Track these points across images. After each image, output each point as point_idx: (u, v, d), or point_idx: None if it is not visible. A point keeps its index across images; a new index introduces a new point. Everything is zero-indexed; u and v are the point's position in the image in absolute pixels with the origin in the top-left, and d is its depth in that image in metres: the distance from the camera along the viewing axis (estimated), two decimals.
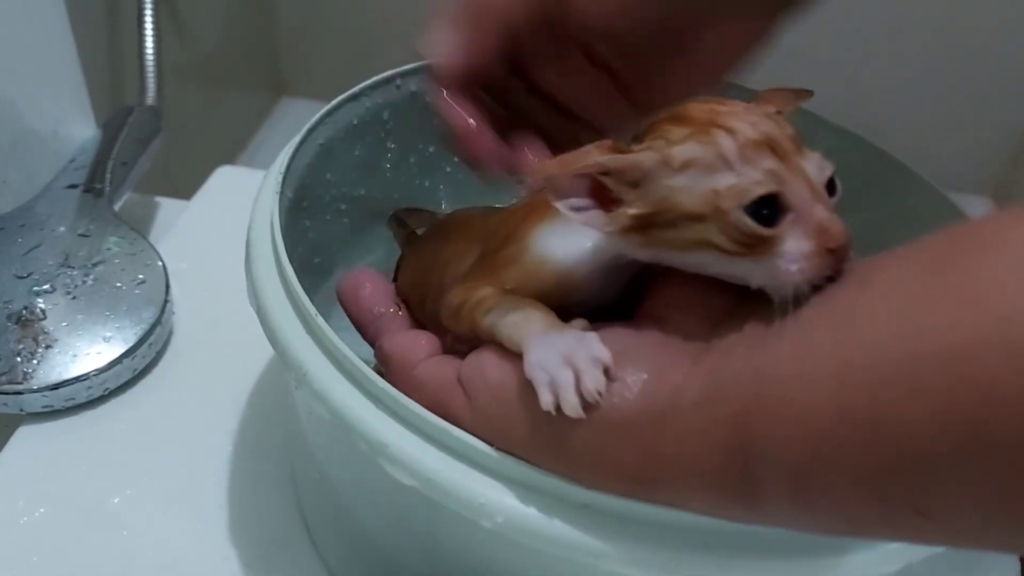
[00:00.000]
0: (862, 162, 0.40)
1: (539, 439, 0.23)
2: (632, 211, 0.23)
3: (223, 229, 0.37)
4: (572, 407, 0.22)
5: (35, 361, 0.41)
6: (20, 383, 0.40)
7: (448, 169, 0.42)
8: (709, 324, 0.23)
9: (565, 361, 0.22)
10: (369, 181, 0.40)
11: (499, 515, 0.23)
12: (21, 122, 0.50)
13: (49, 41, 0.51)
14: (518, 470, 0.23)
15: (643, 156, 0.23)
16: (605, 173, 0.23)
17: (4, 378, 0.40)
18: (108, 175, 0.51)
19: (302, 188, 0.35)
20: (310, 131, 0.35)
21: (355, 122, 0.38)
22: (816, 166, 0.23)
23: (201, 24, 1.11)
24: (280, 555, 0.37)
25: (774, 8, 0.30)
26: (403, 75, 0.38)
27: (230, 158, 1.29)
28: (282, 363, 0.28)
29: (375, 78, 0.38)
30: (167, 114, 0.62)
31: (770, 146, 0.23)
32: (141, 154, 0.54)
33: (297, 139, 0.34)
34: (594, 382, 0.22)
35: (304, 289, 0.28)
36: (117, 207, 0.50)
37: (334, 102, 0.36)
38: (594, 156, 0.23)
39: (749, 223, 0.22)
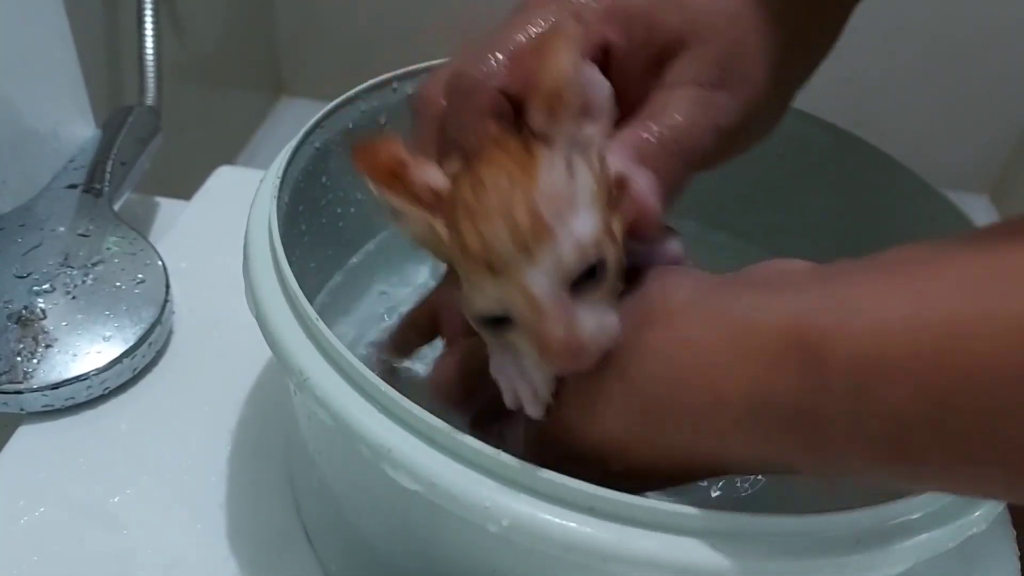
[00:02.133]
0: (861, 162, 0.40)
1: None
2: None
3: (223, 229, 0.37)
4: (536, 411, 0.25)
5: (35, 360, 0.41)
6: (20, 382, 0.40)
7: None
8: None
9: (519, 373, 0.25)
10: (365, 185, 0.40)
11: (505, 518, 0.23)
12: (21, 122, 0.50)
13: (49, 41, 0.51)
14: (523, 473, 0.23)
15: (417, 217, 0.24)
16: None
17: (4, 377, 0.40)
18: (107, 175, 0.51)
19: (298, 192, 0.35)
20: (307, 135, 0.35)
21: (351, 125, 0.38)
22: (548, 273, 0.22)
23: (201, 24, 1.11)
24: (280, 555, 0.37)
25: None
26: (399, 78, 0.38)
27: (230, 158, 1.29)
28: (282, 368, 0.27)
29: (371, 81, 0.38)
30: (166, 114, 0.62)
31: (489, 265, 0.22)
32: (140, 154, 0.54)
33: (293, 143, 0.34)
34: (544, 392, 0.25)
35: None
36: (117, 207, 0.50)
37: (330, 106, 0.36)
38: (392, 191, 0.24)
39: (484, 330, 0.24)
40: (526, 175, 0.22)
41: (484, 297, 0.23)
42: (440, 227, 0.23)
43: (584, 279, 0.23)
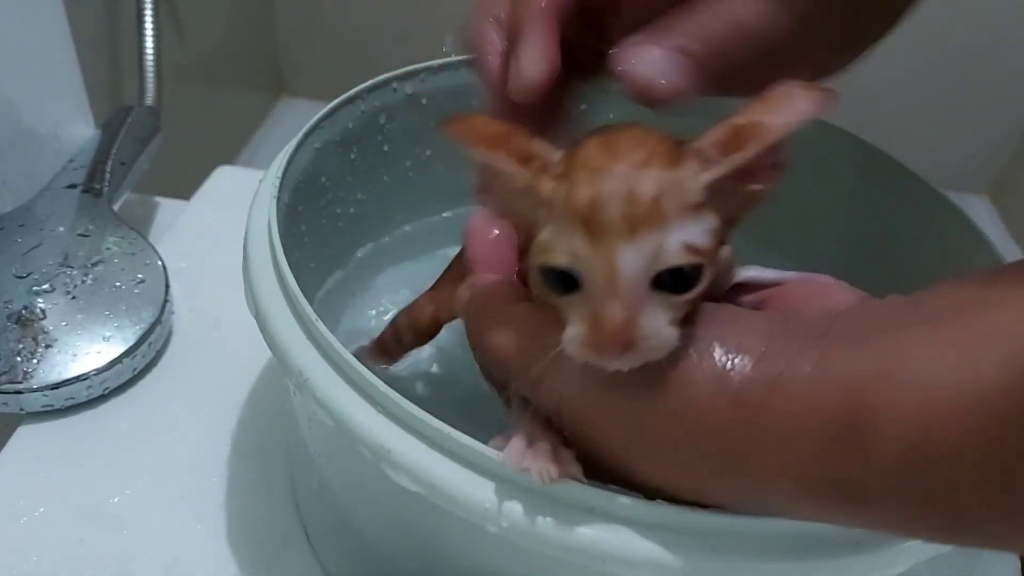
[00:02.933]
0: (862, 162, 0.40)
1: (638, 400, 0.22)
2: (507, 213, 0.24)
3: (222, 229, 0.37)
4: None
5: (35, 360, 0.41)
6: (20, 382, 0.40)
7: (444, 172, 0.42)
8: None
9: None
10: (365, 185, 0.40)
11: (504, 519, 0.23)
12: (21, 122, 0.50)
13: (48, 41, 0.51)
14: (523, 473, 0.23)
15: (520, 175, 0.23)
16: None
17: (4, 377, 0.40)
18: (107, 175, 0.51)
19: (298, 192, 0.35)
20: (307, 135, 0.35)
21: (351, 125, 0.38)
22: (640, 255, 0.21)
23: (201, 24, 1.11)
24: (281, 555, 0.37)
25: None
26: (399, 78, 0.38)
27: (229, 158, 1.29)
28: (282, 369, 0.27)
29: (371, 81, 0.38)
30: (166, 114, 0.62)
31: (588, 221, 0.21)
32: (140, 154, 0.54)
33: (293, 143, 0.34)
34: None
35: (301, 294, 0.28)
36: (116, 207, 0.50)
37: (330, 105, 0.36)
38: (496, 153, 0.23)
39: (538, 280, 0.23)
40: (665, 163, 0.22)
41: (563, 249, 0.22)
42: (545, 183, 0.23)
43: (669, 285, 0.22)
